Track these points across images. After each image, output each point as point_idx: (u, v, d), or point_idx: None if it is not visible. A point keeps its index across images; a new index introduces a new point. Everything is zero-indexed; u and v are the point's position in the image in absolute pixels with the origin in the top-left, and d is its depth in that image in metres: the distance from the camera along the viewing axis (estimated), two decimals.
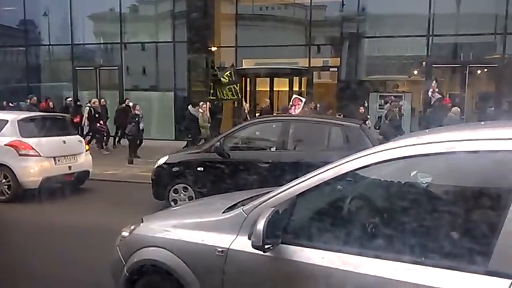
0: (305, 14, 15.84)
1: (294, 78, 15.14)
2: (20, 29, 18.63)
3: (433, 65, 14.15)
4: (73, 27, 17.40)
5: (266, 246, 2.01)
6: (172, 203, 6.37)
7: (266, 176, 5.71)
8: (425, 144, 1.94)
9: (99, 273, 3.17)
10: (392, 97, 13.40)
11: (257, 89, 15.46)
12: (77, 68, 17.47)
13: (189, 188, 6.46)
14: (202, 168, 6.35)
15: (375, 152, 2.07)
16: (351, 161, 2.11)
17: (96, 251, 3.71)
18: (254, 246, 2.04)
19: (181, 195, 6.48)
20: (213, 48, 16.28)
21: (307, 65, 15.37)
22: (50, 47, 18.49)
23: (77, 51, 17.79)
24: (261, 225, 1.98)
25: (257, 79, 15.36)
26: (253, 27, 16.88)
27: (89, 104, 13.24)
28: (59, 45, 18.06)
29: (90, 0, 16.73)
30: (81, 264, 4.36)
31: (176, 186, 6.53)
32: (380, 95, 14.05)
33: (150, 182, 6.84)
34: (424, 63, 14.54)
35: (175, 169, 6.64)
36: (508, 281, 1.54)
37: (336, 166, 2.15)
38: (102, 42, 18.32)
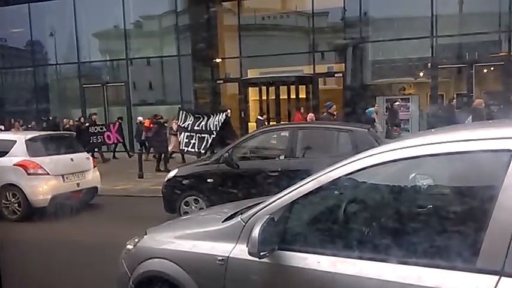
0: (307, 21, 15.92)
1: (300, 85, 15.17)
2: (28, 49, 18.98)
3: (439, 66, 14.11)
4: (79, 46, 17.69)
5: (261, 253, 2.06)
6: (183, 216, 6.37)
7: (276, 185, 5.68)
8: (431, 145, 1.92)
9: None
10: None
11: (263, 98, 15.52)
12: (84, 86, 17.69)
13: (199, 200, 6.46)
14: (212, 180, 6.36)
15: (374, 154, 2.07)
16: (349, 163, 2.12)
17: (109, 267, 3.71)
18: (250, 254, 2.09)
19: (193, 207, 6.48)
20: (218, 60, 16.40)
21: (312, 72, 15.40)
22: (57, 66, 18.77)
23: (83, 69, 18.06)
24: (255, 233, 2.02)
25: (262, 88, 15.42)
26: (256, 37, 17.01)
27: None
28: (66, 64, 18.35)
29: (94, 18, 16.98)
30: (95, 281, 4.38)
31: (187, 199, 6.54)
32: (386, 99, 14.01)
33: (161, 195, 6.87)
34: (429, 64, 14.50)
35: (185, 182, 6.65)
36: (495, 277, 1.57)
37: (331, 170, 2.16)
38: (108, 59, 18.57)
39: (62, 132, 10.85)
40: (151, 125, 13.47)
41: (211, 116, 10.23)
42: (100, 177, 8.38)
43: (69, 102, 18.43)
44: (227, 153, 6.33)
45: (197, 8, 16.00)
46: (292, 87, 15.18)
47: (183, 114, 10.63)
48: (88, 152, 13.66)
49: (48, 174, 7.35)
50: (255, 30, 17.05)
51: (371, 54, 15.68)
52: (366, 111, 11.47)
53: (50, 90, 19.14)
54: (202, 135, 10.14)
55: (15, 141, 7.51)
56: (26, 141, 7.48)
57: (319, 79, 15.60)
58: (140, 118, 14.93)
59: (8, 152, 7.38)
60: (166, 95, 17.56)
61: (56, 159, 7.60)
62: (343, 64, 15.39)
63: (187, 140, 10.32)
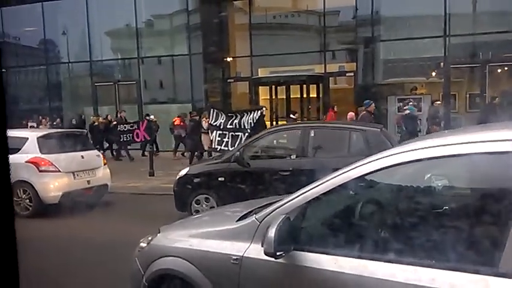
0: (318, 20, 15.85)
1: (311, 84, 15.11)
2: (41, 48, 19.19)
3: (451, 66, 13.95)
4: (91, 45, 17.84)
5: (278, 253, 2.04)
6: (195, 214, 6.38)
7: (287, 184, 5.67)
8: (451, 145, 1.89)
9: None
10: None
11: (273, 97, 15.49)
12: (96, 84, 17.83)
13: (210, 198, 6.47)
14: (223, 179, 6.36)
15: (394, 154, 2.04)
16: (367, 163, 2.09)
17: (121, 265, 3.74)
18: (266, 253, 2.07)
19: (204, 205, 6.50)
20: (229, 59, 16.41)
21: (323, 71, 15.33)
22: (70, 64, 18.95)
23: (95, 68, 18.19)
24: (272, 233, 2.01)
25: (273, 87, 15.39)
26: (267, 36, 16.97)
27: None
28: (78, 62, 18.52)
29: (106, 17, 17.10)
30: (108, 279, 4.40)
31: (198, 197, 6.56)
32: (398, 98, 13.89)
33: (172, 193, 6.88)
34: (441, 64, 14.34)
35: (196, 180, 6.66)
36: None
37: (349, 170, 2.14)
38: (119, 57, 18.69)
39: (73, 129, 10.96)
40: (182, 123, 13.59)
41: (245, 114, 9.80)
42: (110, 174, 8.43)
43: (81, 100, 18.58)
44: (238, 152, 6.34)
45: (208, 7, 16.02)
46: (303, 86, 15.13)
47: (214, 113, 10.19)
48: (120, 150, 13.86)
49: (59, 171, 7.43)
50: (266, 29, 17.02)
51: (382, 54, 15.54)
52: (408, 108, 11.28)
53: (63, 88, 19.32)
54: (236, 133, 9.67)
55: (27, 138, 7.58)
56: (37, 138, 7.56)
57: (330, 78, 15.53)
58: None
59: (20, 149, 7.44)
60: (177, 93, 17.63)
61: (67, 156, 7.68)
62: (355, 63, 15.30)
63: (219, 139, 9.84)
